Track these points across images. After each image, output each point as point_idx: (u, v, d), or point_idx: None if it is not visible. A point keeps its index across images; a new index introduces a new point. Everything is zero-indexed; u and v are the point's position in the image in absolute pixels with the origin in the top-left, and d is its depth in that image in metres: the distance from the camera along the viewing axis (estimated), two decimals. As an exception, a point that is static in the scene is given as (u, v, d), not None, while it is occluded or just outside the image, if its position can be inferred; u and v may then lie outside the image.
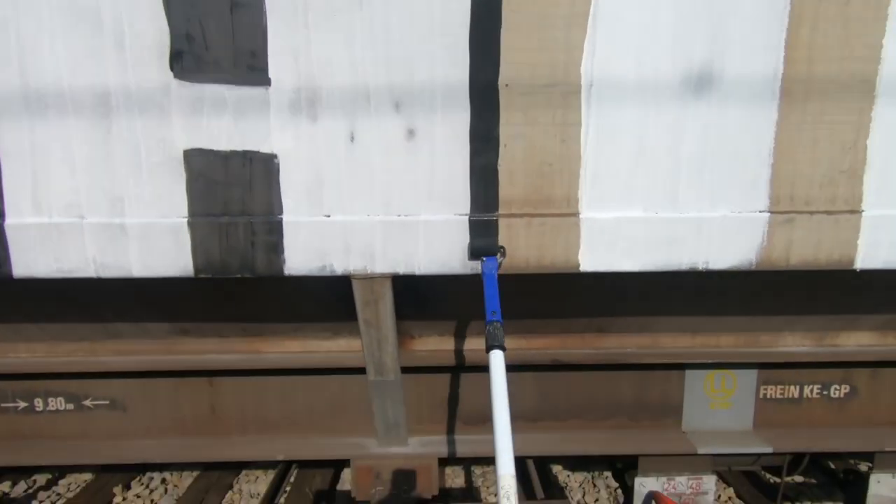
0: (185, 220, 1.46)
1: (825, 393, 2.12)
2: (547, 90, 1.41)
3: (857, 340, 2.01)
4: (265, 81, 1.40)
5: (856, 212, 1.48)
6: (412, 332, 1.95)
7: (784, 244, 1.50)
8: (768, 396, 2.12)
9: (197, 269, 1.48)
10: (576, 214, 1.48)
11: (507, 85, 1.41)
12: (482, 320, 1.69)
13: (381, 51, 1.39)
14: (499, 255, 1.47)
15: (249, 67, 1.40)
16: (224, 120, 1.42)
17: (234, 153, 1.44)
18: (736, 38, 1.39)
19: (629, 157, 1.45)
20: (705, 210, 1.47)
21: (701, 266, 1.51)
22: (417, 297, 1.74)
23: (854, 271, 1.52)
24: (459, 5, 1.37)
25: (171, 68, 1.39)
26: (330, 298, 1.71)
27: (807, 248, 1.50)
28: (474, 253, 1.47)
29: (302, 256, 1.49)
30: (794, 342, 2.01)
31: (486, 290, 1.37)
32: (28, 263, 1.47)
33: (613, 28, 1.38)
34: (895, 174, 1.46)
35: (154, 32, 1.37)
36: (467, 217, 1.48)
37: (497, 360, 1.21)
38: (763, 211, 1.48)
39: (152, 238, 1.46)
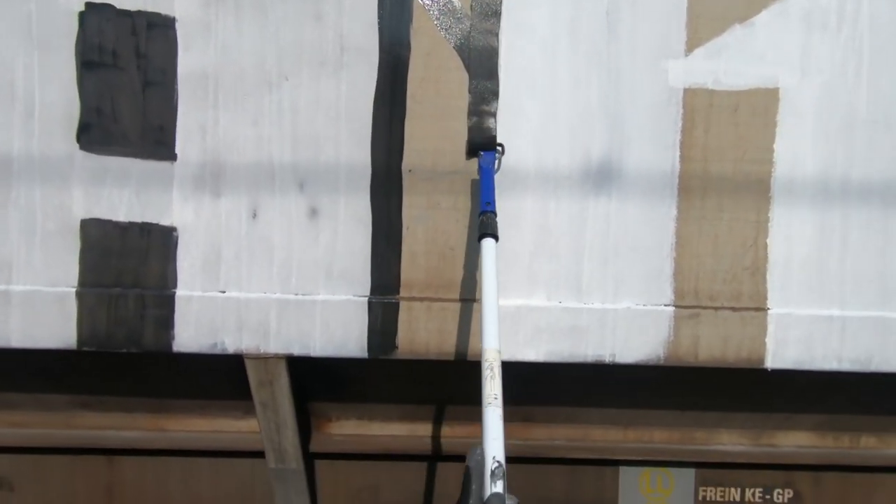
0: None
1: (768, 497, 1.99)
2: (450, 176, 1.44)
3: (794, 441, 1.92)
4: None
5: (761, 309, 1.46)
6: (329, 413, 1.85)
7: (691, 340, 1.46)
8: (708, 498, 1.98)
9: (81, 341, 1.42)
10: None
11: (410, 171, 1.44)
12: (404, 404, 1.62)
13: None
14: (498, 150, 1.44)
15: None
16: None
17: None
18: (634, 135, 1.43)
19: (531, 244, 1.45)
20: (609, 301, 1.45)
21: (608, 359, 1.46)
22: (330, 377, 1.67)
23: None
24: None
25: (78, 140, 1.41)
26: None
27: (714, 344, 1.46)
28: (472, 148, 1.44)
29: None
30: (730, 440, 1.92)
31: (482, 182, 1.36)
32: None
33: (514, 122, 1.43)
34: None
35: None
36: (366, 299, 1.44)
37: (488, 247, 1.24)
38: (668, 305, 1.46)
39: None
